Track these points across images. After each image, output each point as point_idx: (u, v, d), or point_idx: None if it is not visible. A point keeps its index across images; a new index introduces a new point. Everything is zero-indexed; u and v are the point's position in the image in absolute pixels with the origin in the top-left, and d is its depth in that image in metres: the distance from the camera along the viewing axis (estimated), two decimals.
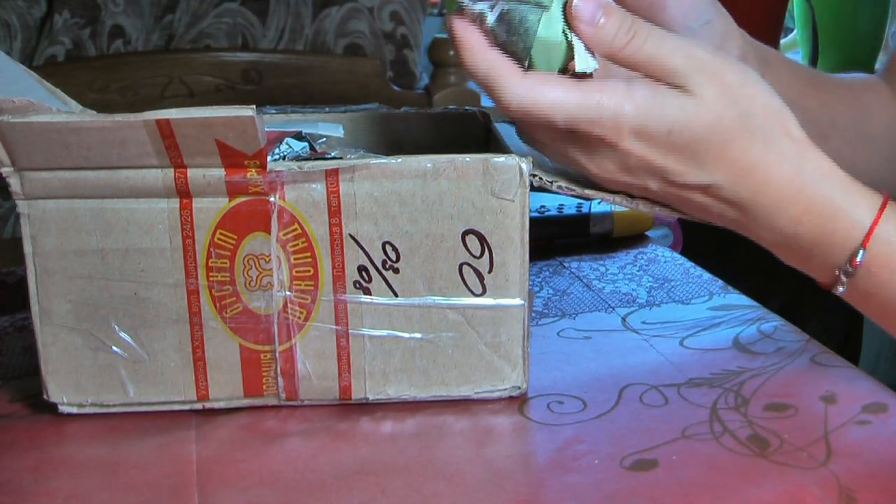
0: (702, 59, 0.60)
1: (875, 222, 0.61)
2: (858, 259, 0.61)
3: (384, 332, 0.62)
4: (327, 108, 0.78)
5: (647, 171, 0.61)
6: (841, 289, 0.62)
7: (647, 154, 0.60)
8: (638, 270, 0.86)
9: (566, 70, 0.60)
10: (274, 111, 0.78)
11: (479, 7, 0.59)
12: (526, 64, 0.60)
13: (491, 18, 0.59)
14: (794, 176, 0.61)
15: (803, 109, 0.66)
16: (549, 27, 0.59)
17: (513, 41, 0.59)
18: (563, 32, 0.60)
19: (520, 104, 0.59)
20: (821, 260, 0.63)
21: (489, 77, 0.59)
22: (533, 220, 0.94)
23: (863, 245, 0.61)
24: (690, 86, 0.59)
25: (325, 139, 0.73)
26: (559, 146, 0.62)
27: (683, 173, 0.61)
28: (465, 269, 0.62)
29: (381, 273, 0.62)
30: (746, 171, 0.61)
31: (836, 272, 0.62)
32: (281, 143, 0.69)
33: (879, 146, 0.79)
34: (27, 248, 0.61)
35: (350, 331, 0.62)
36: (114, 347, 0.62)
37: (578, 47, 0.60)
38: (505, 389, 0.64)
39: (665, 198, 0.64)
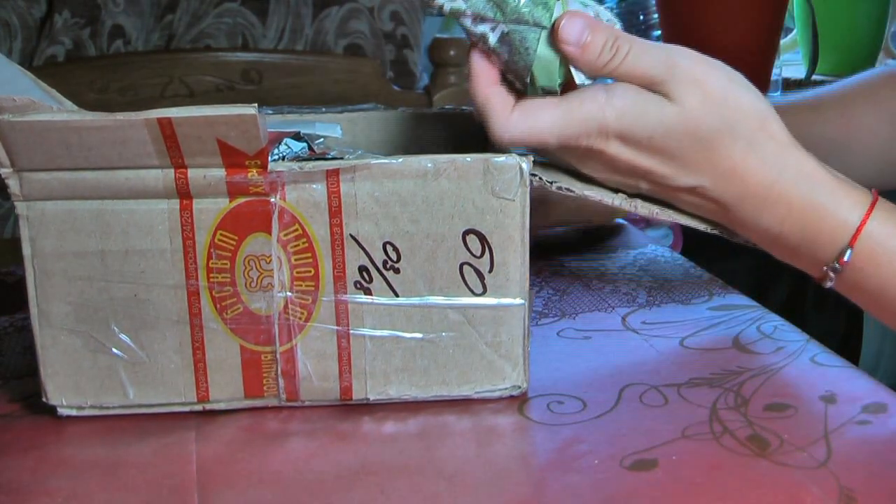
0: (684, 68, 0.62)
1: (863, 222, 0.62)
2: (846, 258, 0.63)
3: (385, 333, 0.62)
4: (324, 109, 0.78)
5: (635, 173, 0.64)
6: (830, 283, 0.64)
7: (631, 157, 0.63)
8: (638, 270, 0.86)
9: (567, 82, 0.63)
10: (270, 112, 0.78)
11: (480, 29, 0.61)
12: (528, 80, 0.62)
13: (493, 39, 0.61)
14: (777, 177, 0.63)
15: None
16: (547, 45, 0.62)
17: (514, 60, 0.62)
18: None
19: (511, 138, 0.62)
20: (808, 257, 0.65)
21: (483, 112, 0.63)
22: None
23: (850, 244, 0.63)
24: (672, 93, 0.62)
25: (322, 140, 0.73)
26: (552, 155, 0.66)
27: (669, 176, 0.64)
28: (466, 268, 0.62)
29: (381, 273, 0.62)
30: (729, 174, 0.63)
31: (825, 269, 0.64)
32: (280, 143, 0.69)
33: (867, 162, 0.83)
34: (26, 251, 0.61)
35: (351, 331, 0.62)
36: (113, 349, 0.62)
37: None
38: (505, 389, 0.64)
39: (658, 196, 0.66)
